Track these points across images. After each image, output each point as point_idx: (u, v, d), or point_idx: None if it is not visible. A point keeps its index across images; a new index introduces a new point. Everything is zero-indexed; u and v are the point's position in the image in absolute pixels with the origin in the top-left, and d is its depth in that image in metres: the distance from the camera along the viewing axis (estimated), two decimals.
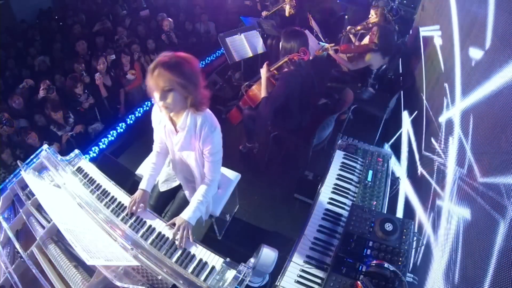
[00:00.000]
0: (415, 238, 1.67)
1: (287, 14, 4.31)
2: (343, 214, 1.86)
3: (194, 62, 1.53)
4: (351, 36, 3.96)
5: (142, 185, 1.83)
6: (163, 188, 2.06)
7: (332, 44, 3.60)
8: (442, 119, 2.24)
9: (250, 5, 5.93)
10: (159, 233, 1.66)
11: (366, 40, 3.67)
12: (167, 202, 2.10)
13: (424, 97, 2.87)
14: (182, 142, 1.71)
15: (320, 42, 4.17)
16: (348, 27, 4.00)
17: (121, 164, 2.71)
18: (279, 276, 1.59)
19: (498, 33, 1.59)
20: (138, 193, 1.79)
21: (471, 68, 1.85)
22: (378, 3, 3.79)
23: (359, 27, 3.93)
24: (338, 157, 2.21)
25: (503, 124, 1.30)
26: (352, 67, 3.51)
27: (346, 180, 2.07)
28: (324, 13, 5.21)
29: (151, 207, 1.94)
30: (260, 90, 2.80)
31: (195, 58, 1.56)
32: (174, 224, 1.66)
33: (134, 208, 1.74)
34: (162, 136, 1.82)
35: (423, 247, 1.89)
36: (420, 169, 2.47)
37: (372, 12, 3.83)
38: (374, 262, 1.46)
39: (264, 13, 4.34)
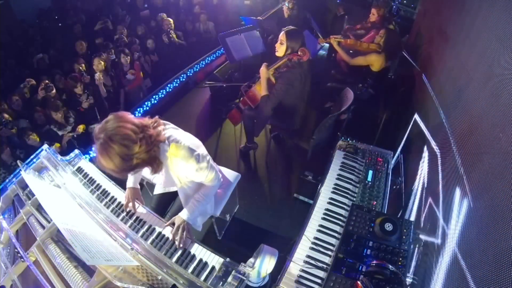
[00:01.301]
0: (415, 238, 1.67)
1: (286, 15, 4.31)
2: (343, 214, 1.86)
3: (117, 130, 1.35)
4: (350, 36, 3.95)
5: (129, 183, 1.83)
6: (161, 190, 2.04)
7: (338, 36, 3.57)
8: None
9: (250, 5, 5.91)
10: (159, 233, 1.67)
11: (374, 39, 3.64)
12: (167, 204, 2.09)
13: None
14: (164, 181, 1.74)
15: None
16: (347, 27, 4.00)
17: None
18: (279, 276, 1.59)
19: None
20: (128, 192, 1.80)
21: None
22: (379, 3, 3.78)
23: (358, 27, 3.93)
24: (338, 157, 2.21)
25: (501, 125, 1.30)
26: (351, 62, 3.48)
27: (346, 180, 2.06)
28: (323, 14, 5.20)
29: (153, 210, 1.93)
30: (259, 90, 2.80)
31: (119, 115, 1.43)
32: (173, 224, 1.66)
33: (130, 205, 1.75)
34: None
35: (422, 247, 1.89)
36: (420, 168, 2.47)
37: (373, 11, 3.82)
38: (374, 262, 1.46)
39: (259, 18, 4.33)
